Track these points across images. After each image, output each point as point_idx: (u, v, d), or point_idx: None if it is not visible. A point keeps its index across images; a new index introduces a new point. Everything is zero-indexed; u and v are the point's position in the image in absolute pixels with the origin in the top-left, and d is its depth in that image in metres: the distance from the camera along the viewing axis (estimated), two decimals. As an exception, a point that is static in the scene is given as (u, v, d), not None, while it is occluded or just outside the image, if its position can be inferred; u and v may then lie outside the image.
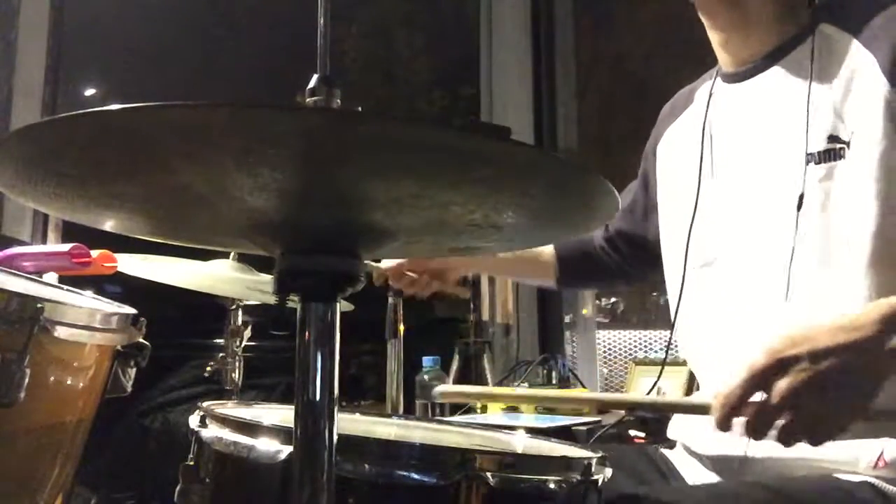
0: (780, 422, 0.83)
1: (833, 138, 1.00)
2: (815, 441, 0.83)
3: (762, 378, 0.81)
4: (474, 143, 0.53)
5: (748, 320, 1.08)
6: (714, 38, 1.19)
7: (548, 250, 1.52)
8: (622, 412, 1.67)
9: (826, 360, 0.80)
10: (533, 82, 3.30)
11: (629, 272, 1.48)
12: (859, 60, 1.00)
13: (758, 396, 0.84)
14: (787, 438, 0.82)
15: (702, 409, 0.87)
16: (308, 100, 0.64)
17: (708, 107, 1.22)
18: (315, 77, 0.64)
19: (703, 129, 1.21)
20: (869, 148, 0.97)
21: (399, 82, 3.97)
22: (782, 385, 0.80)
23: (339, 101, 0.64)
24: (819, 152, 1.01)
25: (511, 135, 0.52)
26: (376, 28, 3.85)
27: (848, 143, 0.99)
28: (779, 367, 0.81)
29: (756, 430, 0.82)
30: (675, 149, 1.30)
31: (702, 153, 1.20)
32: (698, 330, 1.19)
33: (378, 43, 3.87)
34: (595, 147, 3.30)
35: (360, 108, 0.52)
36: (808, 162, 1.02)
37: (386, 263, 1.46)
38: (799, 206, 1.02)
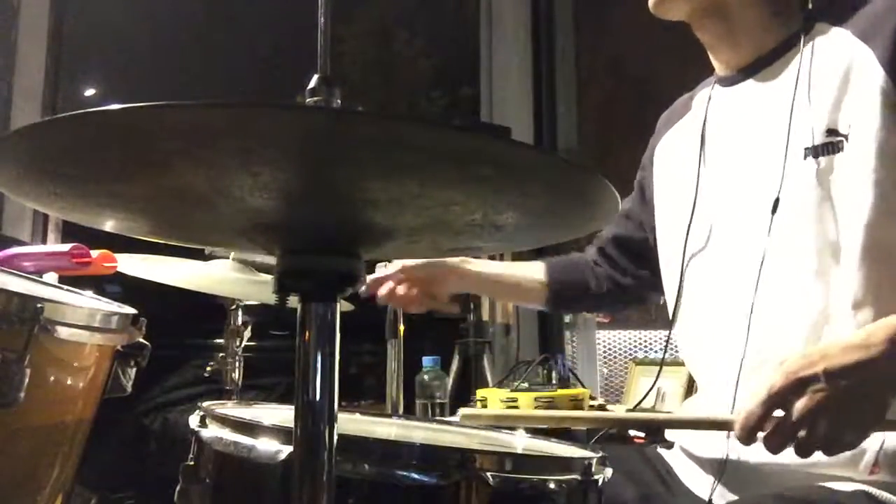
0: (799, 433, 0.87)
1: (832, 132, 1.01)
2: (830, 453, 0.87)
3: (781, 398, 0.85)
4: (474, 142, 0.53)
5: (727, 322, 1.10)
6: (706, 46, 1.21)
7: (538, 272, 1.48)
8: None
9: (840, 379, 0.84)
10: (533, 82, 3.30)
11: (624, 286, 1.43)
12: (856, 53, 1.00)
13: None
14: (804, 453, 0.86)
15: (725, 426, 0.90)
16: (308, 100, 0.64)
17: (707, 111, 1.23)
18: (315, 77, 0.64)
19: (703, 132, 1.22)
20: (867, 139, 0.98)
21: (399, 82, 3.96)
22: (800, 405, 0.84)
23: (339, 101, 0.64)
24: (816, 146, 1.02)
25: (511, 135, 0.52)
26: (376, 28, 3.84)
27: (846, 137, 1.00)
28: (796, 386, 0.84)
29: (776, 446, 0.86)
30: (673, 154, 1.30)
31: (700, 156, 1.21)
32: (692, 331, 1.20)
33: (378, 43, 3.87)
34: (595, 147, 3.30)
35: (360, 108, 0.52)
36: (805, 156, 1.02)
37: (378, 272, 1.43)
38: (774, 210, 1.03)
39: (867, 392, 0.85)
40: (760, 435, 0.88)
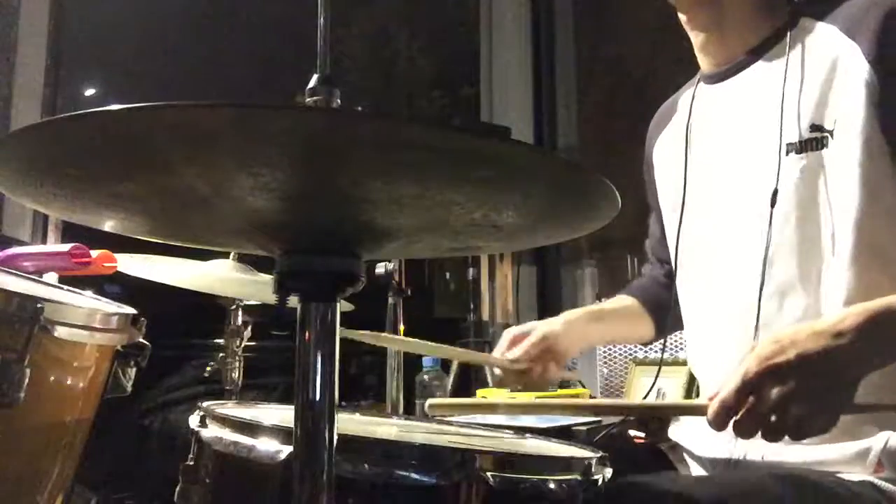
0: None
1: (816, 127, 1.01)
2: (799, 438, 0.87)
3: (754, 385, 0.85)
4: (474, 143, 0.53)
5: (729, 320, 1.09)
6: (693, 39, 1.21)
7: (628, 301, 1.44)
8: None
9: (811, 366, 0.84)
10: (533, 82, 3.30)
11: None
12: (841, 49, 1.00)
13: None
14: (773, 437, 0.86)
15: (698, 411, 0.91)
16: (308, 100, 0.64)
17: (691, 111, 1.23)
18: (315, 77, 0.64)
19: (687, 132, 1.22)
20: (852, 134, 0.97)
21: (399, 82, 3.96)
22: (773, 393, 0.84)
23: (339, 101, 0.64)
24: (801, 142, 1.02)
25: (511, 135, 0.52)
26: (376, 28, 3.84)
27: (831, 132, 1.00)
28: (770, 373, 0.85)
29: (747, 432, 0.86)
30: (664, 158, 1.31)
31: (686, 156, 1.21)
32: (694, 330, 1.20)
33: (378, 43, 3.87)
34: (595, 147, 3.30)
35: (359, 108, 0.52)
36: (788, 152, 1.02)
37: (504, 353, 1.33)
38: (773, 203, 1.03)
39: (836, 378, 0.85)
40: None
